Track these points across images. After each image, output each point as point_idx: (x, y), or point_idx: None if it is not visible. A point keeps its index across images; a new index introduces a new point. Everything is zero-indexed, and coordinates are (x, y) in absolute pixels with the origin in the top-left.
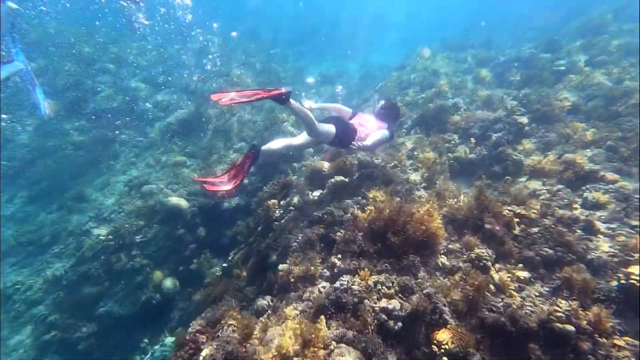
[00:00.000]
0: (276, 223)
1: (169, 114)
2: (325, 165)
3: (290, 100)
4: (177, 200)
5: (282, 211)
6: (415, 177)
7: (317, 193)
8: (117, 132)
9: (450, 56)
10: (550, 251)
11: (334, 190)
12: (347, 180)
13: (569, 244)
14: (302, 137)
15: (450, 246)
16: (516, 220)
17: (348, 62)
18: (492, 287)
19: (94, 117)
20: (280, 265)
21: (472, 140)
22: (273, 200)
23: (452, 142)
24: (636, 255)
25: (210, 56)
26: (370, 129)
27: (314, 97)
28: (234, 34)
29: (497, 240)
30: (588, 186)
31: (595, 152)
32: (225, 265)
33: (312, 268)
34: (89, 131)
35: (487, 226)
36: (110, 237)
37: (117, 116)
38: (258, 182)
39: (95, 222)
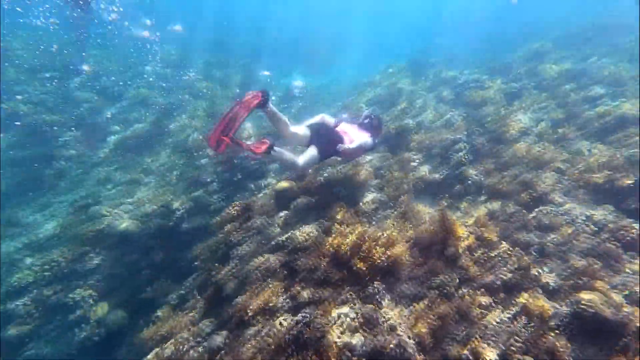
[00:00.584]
0: (236, 248)
1: (126, 128)
2: (291, 184)
3: (273, 149)
4: (130, 222)
5: (243, 235)
6: (381, 196)
7: (281, 215)
8: (63, 147)
9: (414, 74)
10: (509, 275)
11: (299, 212)
12: (313, 200)
13: (526, 268)
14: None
15: (415, 271)
16: (477, 242)
17: (315, 76)
18: (456, 315)
19: (33, 131)
20: (239, 296)
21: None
22: (234, 223)
23: (417, 161)
24: (584, 279)
25: (168, 69)
26: (353, 136)
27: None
28: (177, 27)
29: (459, 264)
30: (541, 208)
31: (547, 175)
32: (182, 292)
33: (273, 299)
34: (26, 147)
35: (451, 250)
36: (46, 266)
37: (64, 129)
38: (221, 200)
39: (28, 249)
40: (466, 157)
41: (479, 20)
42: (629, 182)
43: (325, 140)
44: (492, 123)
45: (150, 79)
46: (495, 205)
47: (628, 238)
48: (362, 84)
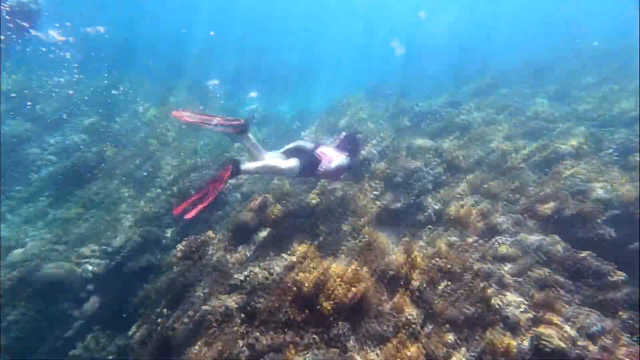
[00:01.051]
0: (189, 290)
1: (63, 158)
2: (251, 216)
3: (242, 167)
4: (61, 266)
5: (197, 274)
6: (345, 227)
7: (240, 250)
8: None
9: (374, 104)
10: (472, 309)
11: (259, 247)
12: (275, 233)
13: (487, 300)
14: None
15: (380, 308)
16: (441, 275)
17: (278, 103)
18: (424, 358)
19: None
20: (191, 347)
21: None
22: (187, 261)
23: (380, 189)
24: (541, 312)
25: (115, 91)
26: (332, 157)
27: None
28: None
29: (424, 298)
30: (497, 238)
31: (500, 204)
32: (121, 343)
33: (229, 348)
34: None
35: (415, 284)
36: None
37: None
38: (176, 235)
39: None
40: (426, 186)
41: (444, 49)
42: (573, 212)
43: (304, 161)
44: (449, 153)
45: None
46: (455, 234)
47: (574, 269)
48: (327, 110)
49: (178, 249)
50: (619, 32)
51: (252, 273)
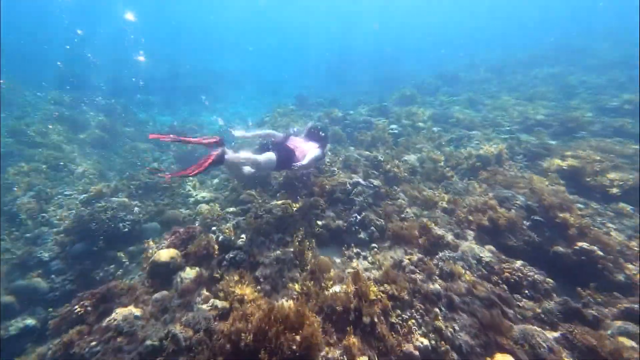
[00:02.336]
0: None
1: None
2: (175, 254)
3: (226, 156)
4: None
5: (95, 342)
6: (284, 254)
7: (159, 298)
8: None
9: (306, 114)
10: (426, 342)
11: (184, 292)
12: (204, 271)
13: (439, 330)
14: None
15: (330, 355)
16: (391, 303)
17: (204, 114)
18: None
19: None
20: None
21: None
22: (80, 327)
23: (320, 207)
24: (491, 335)
25: None
26: (304, 149)
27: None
28: None
29: (377, 335)
30: (440, 255)
31: (438, 214)
32: None
33: None
34: None
35: (366, 319)
36: None
37: None
38: (67, 283)
39: None
40: (366, 201)
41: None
42: (505, 221)
43: (280, 155)
44: (385, 163)
45: None
46: (399, 252)
47: (512, 280)
48: (258, 121)
49: (67, 308)
50: (511, 47)
51: (173, 331)
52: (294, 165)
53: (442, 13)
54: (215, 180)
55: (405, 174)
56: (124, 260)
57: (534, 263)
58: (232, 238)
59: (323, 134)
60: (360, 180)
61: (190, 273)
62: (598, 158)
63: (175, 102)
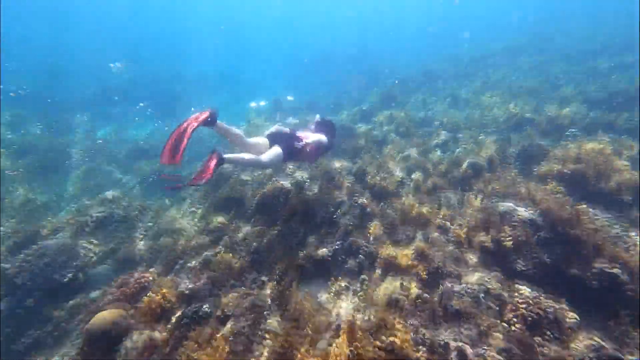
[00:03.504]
0: None
1: None
2: (116, 315)
3: (225, 156)
4: None
5: None
6: (260, 298)
7: None
8: None
9: (284, 122)
10: None
11: None
12: (159, 335)
13: None
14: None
15: None
16: None
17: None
18: None
19: None
20: None
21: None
22: None
23: (300, 233)
24: None
25: None
26: (310, 138)
27: None
28: None
29: None
30: (442, 289)
31: (434, 234)
32: None
33: None
34: None
35: None
36: None
37: None
38: None
39: None
40: (352, 222)
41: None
42: (510, 243)
43: (286, 143)
44: (371, 176)
45: None
46: (394, 285)
47: (529, 318)
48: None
49: None
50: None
51: None
52: (298, 145)
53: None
54: (185, 206)
55: (394, 188)
56: (61, 320)
57: (549, 290)
58: (195, 285)
59: (331, 127)
60: (344, 198)
61: (139, 340)
62: (600, 160)
63: (139, 114)
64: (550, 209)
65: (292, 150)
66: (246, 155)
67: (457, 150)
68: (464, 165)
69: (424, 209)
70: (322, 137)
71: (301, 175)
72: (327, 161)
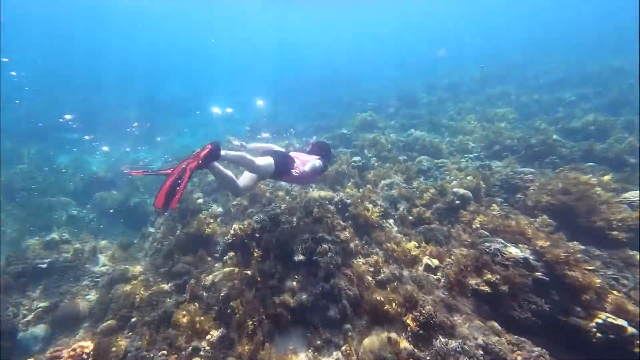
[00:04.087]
0: None
1: None
2: None
3: (222, 152)
4: None
5: None
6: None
7: None
8: None
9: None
10: None
11: None
12: None
13: None
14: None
15: None
16: None
17: (145, 148)
18: None
19: None
20: None
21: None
22: None
23: (277, 275)
24: None
25: None
26: (305, 159)
27: None
28: None
29: None
30: (437, 347)
31: (422, 275)
32: None
33: None
34: None
35: None
36: None
37: None
38: None
39: None
40: (334, 261)
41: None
42: (505, 287)
43: (278, 161)
44: (353, 207)
45: None
46: (382, 339)
47: None
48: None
49: None
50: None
51: None
52: (292, 172)
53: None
54: (146, 244)
55: (377, 219)
56: None
57: (549, 343)
58: (148, 354)
59: (327, 149)
60: (325, 234)
61: None
62: (589, 192)
63: (109, 138)
64: (544, 247)
65: (284, 171)
66: (240, 154)
67: (439, 177)
68: (450, 195)
69: (411, 245)
70: (316, 163)
71: (278, 207)
72: (306, 191)
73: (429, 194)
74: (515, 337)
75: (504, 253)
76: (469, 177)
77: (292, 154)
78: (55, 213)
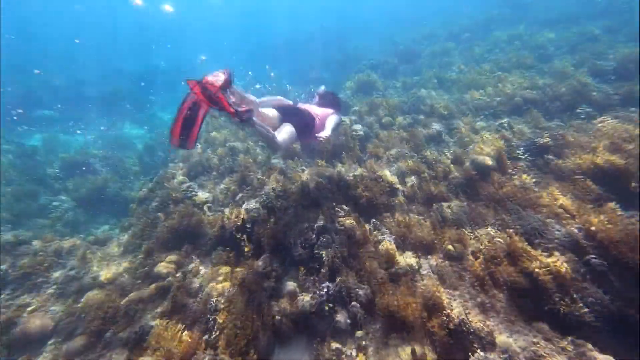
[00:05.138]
0: None
1: None
2: None
3: (255, 118)
4: None
5: None
6: None
7: None
8: None
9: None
10: None
11: None
12: None
13: None
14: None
15: None
16: None
17: (127, 124)
18: None
19: None
20: None
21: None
22: None
23: (274, 275)
24: None
25: None
26: (321, 115)
27: None
28: None
29: None
30: (477, 356)
31: (442, 265)
32: None
33: None
34: None
35: None
36: None
37: None
38: None
39: None
40: (338, 254)
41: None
42: (549, 277)
43: (297, 120)
44: (355, 187)
45: None
46: (403, 355)
47: None
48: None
49: None
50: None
51: None
52: (318, 137)
53: None
54: (125, 236)
55: (384, 199)
56: None
57: (616, 344)
58: None
59: (337, 100)
60: (327, 223)
61: None
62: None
63: (86, 115)
64: (594, 224)
65: (305, 130)
66: (271, 130)
67: (452, 142)
68: (467, 164)
69: (427, 231)
70: (334, 119)
71: (273, 189)
72: (299, 165)
73: (441, 164)
74: (570, 339)
75: (543, 233)
76: (487, 140)
77: (304, 107)
78: (23, 203)
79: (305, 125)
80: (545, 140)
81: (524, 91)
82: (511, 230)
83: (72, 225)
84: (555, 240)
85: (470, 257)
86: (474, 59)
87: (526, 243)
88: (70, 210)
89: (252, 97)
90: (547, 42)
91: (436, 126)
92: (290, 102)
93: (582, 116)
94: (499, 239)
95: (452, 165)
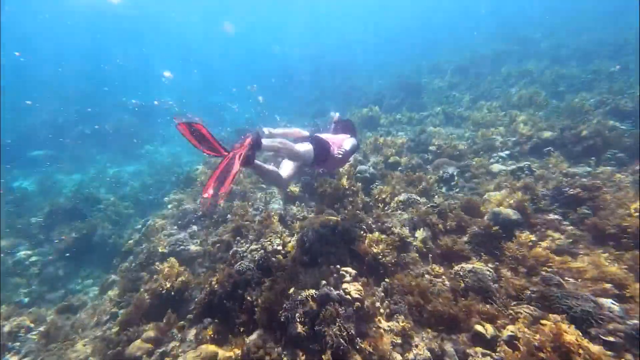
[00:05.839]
0: None
1: None
2: None
3: (263, 141)
4: None
5: None
6: None
7: None
8: None
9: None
10: None
11: None
12: None
13: None
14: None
15: None
16: None
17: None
18: None
19: None
20: None
21: None
22: None
23: (268, 359)
24: None
25: None
26: (338, 140)
27: None
28: None
29: None
30: None
31: (473, 355)
32: None
33: None
34: None
35: None
36: None
37: None
38: None
39: None
40: (344, 333)
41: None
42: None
43: (315, 146)
44: (361, 242)
45: None
46: None
47: None
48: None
49: None
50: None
51: None
52: (334, 153)
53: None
54: (101, 300)
55: (394, 259)
56: None
57: None
58: None
59: (352, 127)
60: (330, 290)
61: None
62: None
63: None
64: None
65: (322, 159)
66: (280, 141)
67: (467, 187)
68: (486, 217)
69: (449, 304)
70: (351, 141)
71: (271, 244)
72: (300, 210)
73: (455, 214)
74: None
75: (599, 318)
76: (504, 190)
77: (321, 136)
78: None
79: (322, 149)
80: (576, 191)
81: (542, 131)
82: (557, 317)
83: (51, 282)
84: (619, 333)
85: (505, 347)
86: (483, 95)
87: (579, 334)
88: (49, 264)
89: (286, 142)
90: (558, 78)
91: (447, 168)
92: (307, 133)
93: (612, 161)
94: (545, 326)
95: (467, 217)
